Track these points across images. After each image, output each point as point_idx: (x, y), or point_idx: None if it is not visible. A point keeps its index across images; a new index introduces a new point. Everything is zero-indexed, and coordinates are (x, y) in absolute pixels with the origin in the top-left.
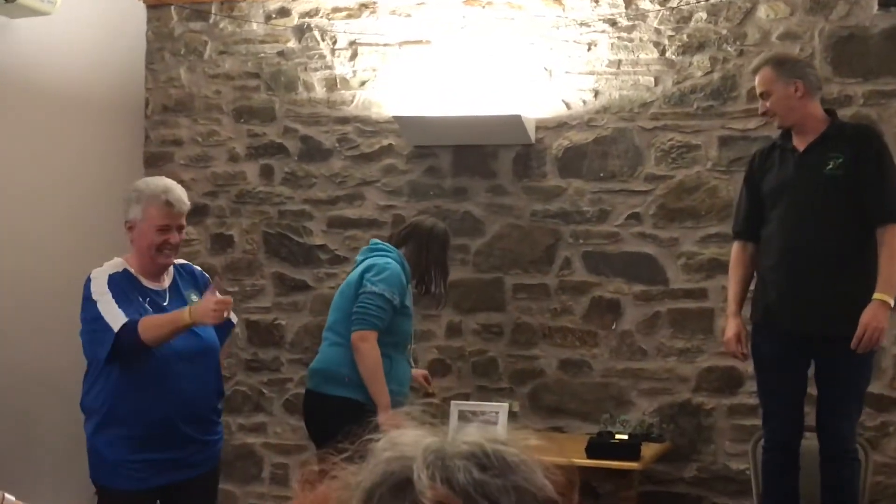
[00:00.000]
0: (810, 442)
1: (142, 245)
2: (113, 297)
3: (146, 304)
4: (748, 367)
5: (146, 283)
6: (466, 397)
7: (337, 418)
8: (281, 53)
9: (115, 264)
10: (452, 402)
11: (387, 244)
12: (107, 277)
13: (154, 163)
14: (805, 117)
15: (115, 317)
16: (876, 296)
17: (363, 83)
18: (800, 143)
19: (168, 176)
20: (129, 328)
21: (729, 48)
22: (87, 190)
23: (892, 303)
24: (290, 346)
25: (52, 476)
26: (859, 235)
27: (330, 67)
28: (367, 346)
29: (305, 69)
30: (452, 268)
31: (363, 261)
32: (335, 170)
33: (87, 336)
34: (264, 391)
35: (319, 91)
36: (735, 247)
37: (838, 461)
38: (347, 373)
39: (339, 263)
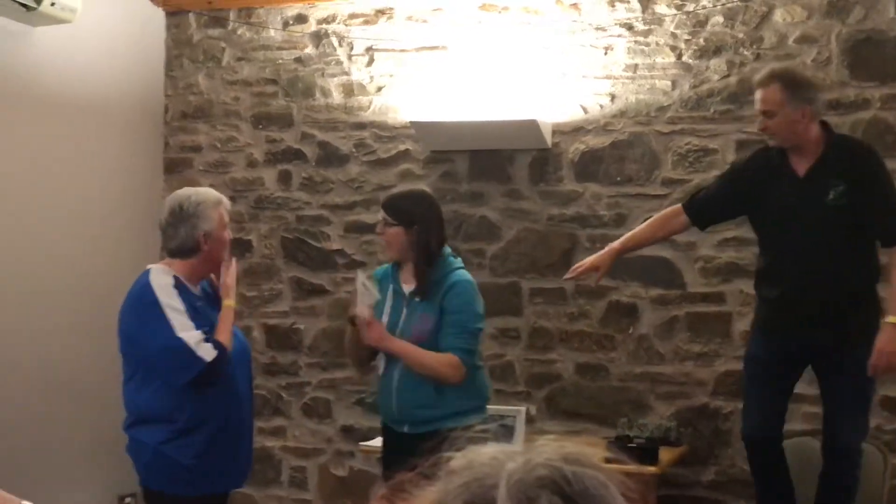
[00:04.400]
0: (815, 442)
1: (218, 250)
2: (187, 312)
3: (198, 308)
4: None
5: (190, 287)
6: None
7: None
8: (298, 60)
9: (165, 271)
10: None
11: None
12: (172, 283)
13: (173, 169)
14: (806, 141)
15: (198, 342)
16: (889, 319)
17: (380, 89)
18: (798, 165)
19: (187, 182)
20: (222, 357)
21: (746, 52)
22: (108, 196)
23: None
24: (308, 351)
25: (74, 479)
26: (865, 260)
27: (347, 73)
28: None
29: (323, 75)
30: (469, 271)
31: None
32: (352, 175)
33: (163, 356)
34: (283, 395)
35: (336, 97)
36: (674, 209)
37: (838, 453)
38: None
39: (355, 268)
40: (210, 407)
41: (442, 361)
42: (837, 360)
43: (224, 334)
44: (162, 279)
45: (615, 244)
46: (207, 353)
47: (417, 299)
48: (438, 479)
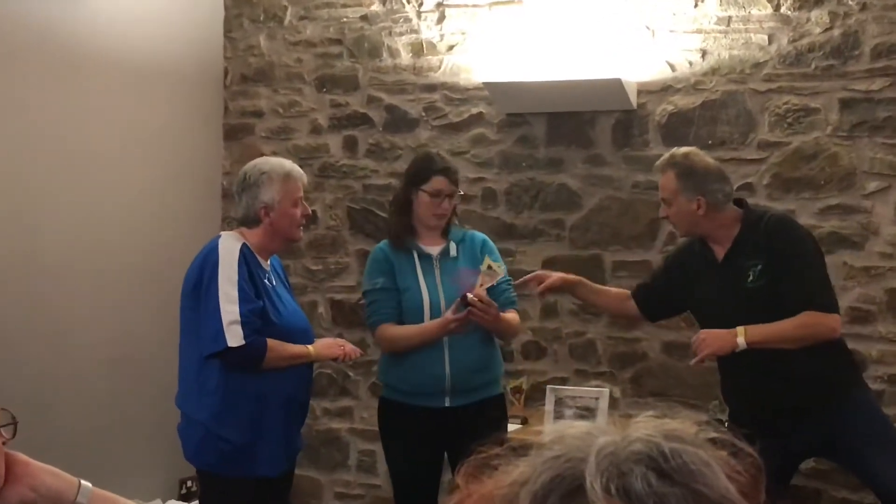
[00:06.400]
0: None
1: (283, 224)
2: (242, 285)
3: (265, 281)
4: (871, 351)
5: (261, 261)
6: (563, 382)
7: None
8: (364, 18)
9: (236, 237)
10: (549, 388)
11: None
12: (238, 250)
13: (234, 135)
14: (712, 230)
15: (231, 322)
16: (738, 331)
17: (451, 48)
18: (717, 250)
19: (249, 149)
20: (255, 350)
21: (850, 2)
22: (166, 164)
23: (742, 342)
24: None
25: (137, 460)
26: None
27: (416, 31)
28: (378, 339)
29: (390, 34)
30: (547, 244)
31: None
32: (422, 140)
33: (202, 322)
34: (350, 374)
35: (405, 57)
36: (624, 292)
37: None
38: None
39: None
40: (257, 383)
41: (514, 317)
42: (830, 427)
43: (281, 350)
44: (230, 244)
45: (581, 280)
46: (234, 337)
47: (453, 255)
48: (528, 454)
